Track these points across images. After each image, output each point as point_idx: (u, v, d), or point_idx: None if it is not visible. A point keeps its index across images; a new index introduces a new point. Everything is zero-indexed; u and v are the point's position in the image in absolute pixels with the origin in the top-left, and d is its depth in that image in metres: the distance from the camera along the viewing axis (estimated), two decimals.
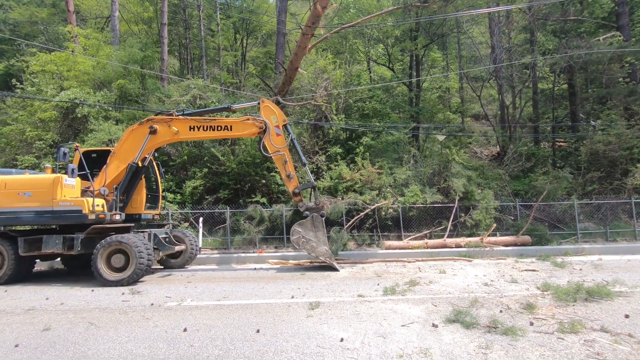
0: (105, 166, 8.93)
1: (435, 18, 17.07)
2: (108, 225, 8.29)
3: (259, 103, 9.50)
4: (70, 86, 15.49)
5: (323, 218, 9.20)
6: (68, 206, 8.11)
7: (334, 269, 8.89)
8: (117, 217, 8.74)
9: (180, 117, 9.23)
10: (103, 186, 8.71)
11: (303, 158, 9.61)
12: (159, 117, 9.25)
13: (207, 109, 10.54)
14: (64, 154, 8.09)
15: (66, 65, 16.29)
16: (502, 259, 9.99)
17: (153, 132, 8.99)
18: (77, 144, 9.16)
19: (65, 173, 8.30)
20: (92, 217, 8.15)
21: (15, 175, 8.51)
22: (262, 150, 9.29)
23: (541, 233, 11.47)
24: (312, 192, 9.73)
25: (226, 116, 11.39)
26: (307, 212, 9.21)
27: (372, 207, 12.09)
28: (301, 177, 11.57)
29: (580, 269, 8.27)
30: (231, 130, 9.18)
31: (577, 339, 4.20)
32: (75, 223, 8.15)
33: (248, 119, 9.28)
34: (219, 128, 9.11)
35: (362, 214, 12.07)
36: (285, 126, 9.33)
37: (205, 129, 9.08)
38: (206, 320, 5.13)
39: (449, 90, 23.57)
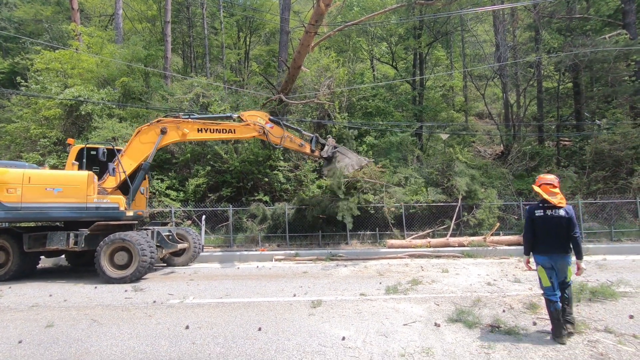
0: (116, 164, 8.93)
1: (439, 16, 16.96)
2: (112, 223, 8.33)
3: (240, 120, 10.15)
4: (74, 84, 15.55)
5: (339, 147, 11.29)
6: (104, 203, 8.23)
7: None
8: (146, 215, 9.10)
9: (189, 119, 9.72)
10: (118, 184, 8.83)
11: (293, 126, 11.28)
12: (168, 119, 9.61)
13: (210, 115, 11.18)
14: (103, 153, 8.38)
15: (70, 63, 16.36)
16: (505, 259, 9.94)
17: (164, 132, 9.35)
18: (114, 145, 9.37)
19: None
20: (129, 214, 8.37)
21: (40, 170, 8.49)
22: (274, 146, 10.82)
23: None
24: (317, 141, 11.04)
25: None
26: (330, 153, 11.00)
27: (375, 205, 12.06)
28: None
29: (584, 269, 8.21)
30: (235, 133, 10.08)
31: (581, 340, 4.17)
32: (111, 220, 8.28)
33: (248, 124, 10.12)
34: (224, 131, 9.97)
35: (364, 212, 12.03)
36: (269, 118, 10.51)
37: (212, 131, 9.88)
38: (208, 318, 5.14)
39: (452, 88, 23.45)
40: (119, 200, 8.38)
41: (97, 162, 9.02)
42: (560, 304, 4.17)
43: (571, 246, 4.21)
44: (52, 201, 7.95)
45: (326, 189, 12.83)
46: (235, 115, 10.33)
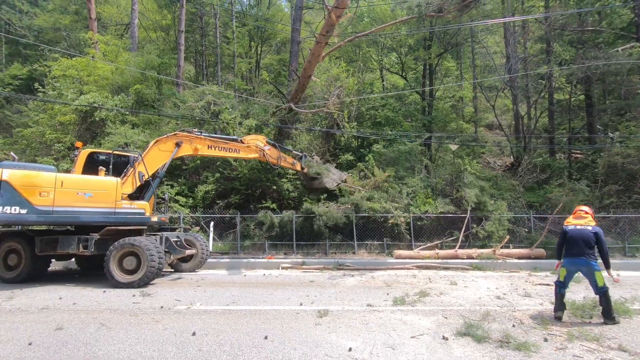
0: (132, 171, 9.05)
1: (449, 28, 17.02)
2: (122, 228, 8.43)
3: (242, 142, 11.06)
4: (90, 90, 15.93)
5: (327, 164, 13.53)
6: (132, 209, 8.47)
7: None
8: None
9: (202, 136, 10.34)
10: (132, 190, 8.98)
11: (286, 147, 12.88)
12: (183, 134, 10.08)
13: (218, 135, 11.79)
14: (133, 160, 8.74)
15: (86, 70, 16.79)
16: (515, 272, 9.78)
17: (179, 145, 9.81)
18: (140, 153, 9.67)
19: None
20: (154, 219, 8.65)
21: (72, 175, 8.62)
22: (272, 166, 11.84)
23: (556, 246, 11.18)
24: (305, 159, 12.58)
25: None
26: (317, 171, 12.48)
27: (383, 215, 12.01)
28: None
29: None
30: (239, 152, 11.08)
31: (594, 358, 4.07)
32: (137, 225, 8.52)
33: (249, 147, 11.08)
34: (230, 150, 10.89)
35: (372, 222, 11.98)
36: (267, 141, 11.63)
37: (220, 149, 10.68)
38: (215, 325, 5.15)
39: (462, 99, 23.38)
40: (145, 206, 8.64)
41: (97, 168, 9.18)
42: (564, 290, 5.62)
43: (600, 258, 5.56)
44: (83, 205, 8.04)
45: (331, 197, 12.84)
46: (239, 139, 11.12)
